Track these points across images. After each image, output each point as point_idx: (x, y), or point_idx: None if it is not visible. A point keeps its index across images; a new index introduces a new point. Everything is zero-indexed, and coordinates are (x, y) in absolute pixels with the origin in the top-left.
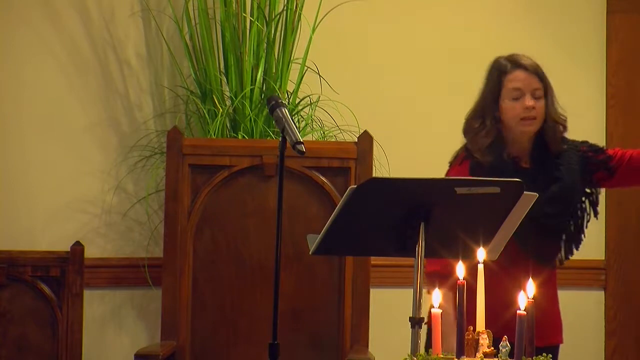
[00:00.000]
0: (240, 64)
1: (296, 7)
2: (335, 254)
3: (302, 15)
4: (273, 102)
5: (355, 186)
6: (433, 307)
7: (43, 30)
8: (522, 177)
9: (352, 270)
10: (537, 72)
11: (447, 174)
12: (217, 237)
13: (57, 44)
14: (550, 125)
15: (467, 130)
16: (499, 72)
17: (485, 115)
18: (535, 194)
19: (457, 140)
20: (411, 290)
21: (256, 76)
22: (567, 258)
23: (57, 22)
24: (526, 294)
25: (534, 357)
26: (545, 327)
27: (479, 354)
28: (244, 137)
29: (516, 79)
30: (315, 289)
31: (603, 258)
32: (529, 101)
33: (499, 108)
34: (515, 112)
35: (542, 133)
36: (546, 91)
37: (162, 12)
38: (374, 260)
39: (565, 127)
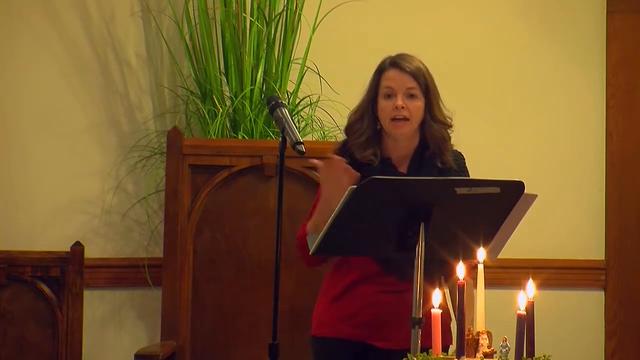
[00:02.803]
0: (240, 64)
1: (296, 7)
2: (335, 254)
3: (302, 15)
4: (273, 102)
5: (355, 186)
6: (433, 307)
7: (43, 30)
8: None
9: None
10: (414, 72)
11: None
12: (217, 237)
13: (57, 44)
14: (431, 125)
15: (346, 127)
16: (379, 70)
17: (365, 114)
18: (536, 194)
19: (457, 140)
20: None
21: (256, 76)
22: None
23: (57, 22)
24: (526, 295)
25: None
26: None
27: (479, 354)
28: (244, 137)
29: (389, 77)
30: (315, 289)
31: (603, 258)
32: (399, 100)
33: (377, 107)
34: (387, 111)
35: (422, 135)
36: (426, 92)
37: (162, 12)
38: None
39: (450, 128)
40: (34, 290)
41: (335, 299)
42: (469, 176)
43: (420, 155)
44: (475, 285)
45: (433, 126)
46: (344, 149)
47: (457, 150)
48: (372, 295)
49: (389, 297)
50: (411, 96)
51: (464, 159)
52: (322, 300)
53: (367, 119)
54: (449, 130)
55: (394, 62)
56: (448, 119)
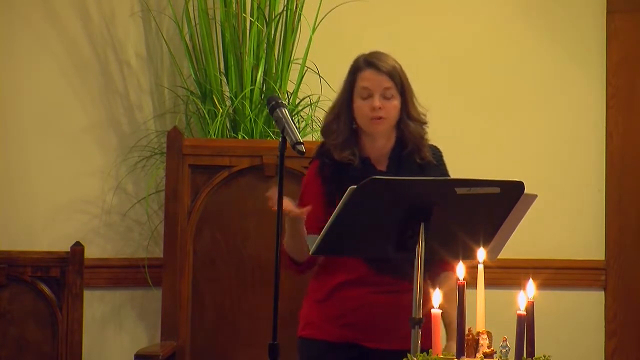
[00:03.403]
0: (240, 64)
1: (296, 8)
2: (335, 254)
3: (302, 16)
4: (273, 103)
5: (356, 186)
6: (433, 307)
7: (43, 30)
8: None
9: None
10: (390, 72)
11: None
12: (217, 237)
13: (57, 44)
14: (405, 122)
15: (323, 129)
16: (354, 70)
17: (341, 114)
18: (536, 194)
19: (457, 141)
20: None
21: (256, 76)
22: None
23: (57, 22)
24: (526, 295)
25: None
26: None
27: (479, 354)
28: (244, 137)
29: (366, 78)
30: None
31: (603, 258)
32: (376, 101)
33: (352, 107)
34: (364, 111)
35: (399, 133)
36: (402, 91)
37: (162, 12)
38: None
39: (426, 125)
40: (34, 290)
41: (323, 300)
42: (446, 170)
43: (398, 153)
44: (475, 286)
45: (409, 125)
46: (322, 151)
47: (434, 145)
48: (363, 296)
49: (381, 297)
50: (387, 96)
51: (442, 154)
52: (309, 302)
53: (343, 119)
54: (424, 127)
55: (370, 62)
56: (423, 116)
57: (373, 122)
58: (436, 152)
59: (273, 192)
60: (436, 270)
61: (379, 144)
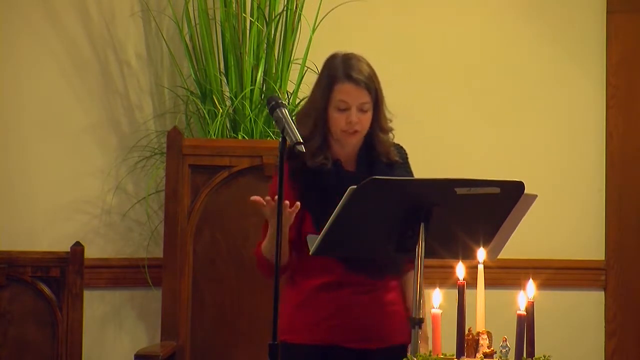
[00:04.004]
0: (240, 64)
1: (296, 8)
2: (335, 254)
3: (302, 16)
4: (273, 103)
5: (356, 186)
6: (433, 307)
7: (43, 30)
8: (347, 181)
9: None
10: (368, 85)
11: (272, 178)
12: (217, 237)
13: (57, 44)
14: (377, 135)
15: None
16: (330, 77)
17: (317, 118)
18: (536, 194)
19: (456, 140)
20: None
21: (256, 76)
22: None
23: (57, 22)
24: (526, 295)
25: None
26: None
27: (479, 354)
28: (244, 137)
29: (344, 91)
30: None
31: (603, 258)
32: (353, 116)
33: (327, 114)
34: (339, 123)
35: (368, 139)
36: (376, 103)
37: (162, 12)
38: None
39: (392, 134)
40: (34, 290)
41: (302, 304)
42: (411, 168)
43: (366, 154)
44: (475, 286)
45: (380, 136)
46: (292, 155)
47: (399, 144)
48: (342, 298)
49: (359, 297)
50: (364, 109)
51: (406, 153)
52: (287, 308)
53: (319, 128)
54: (391, 133)
55: (349, 75)
56: (390, 123)
57: (348, 134)
58: (401, 151)
59: (256, 197)
60: (404, 268)
61: (349, 147)
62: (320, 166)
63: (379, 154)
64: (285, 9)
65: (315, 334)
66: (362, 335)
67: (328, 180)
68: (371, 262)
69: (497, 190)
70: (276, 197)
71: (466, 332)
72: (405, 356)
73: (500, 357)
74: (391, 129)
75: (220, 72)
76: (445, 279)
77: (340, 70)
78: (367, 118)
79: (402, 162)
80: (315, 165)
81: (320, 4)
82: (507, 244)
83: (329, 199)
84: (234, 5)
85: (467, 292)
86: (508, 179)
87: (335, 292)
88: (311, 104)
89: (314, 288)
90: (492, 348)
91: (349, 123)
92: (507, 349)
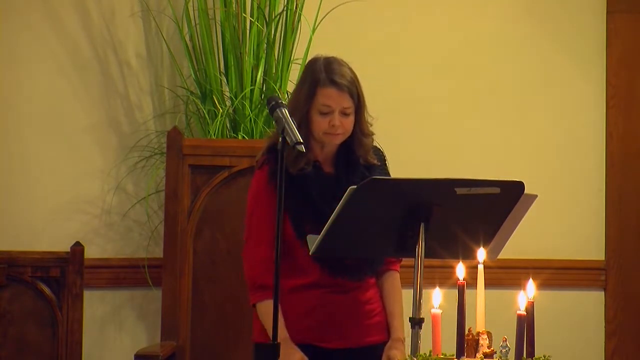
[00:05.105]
0: (240, 64)
1: (296, 8)
2: (335, 254)
3: (302, 16)
4: (273, 103)
5: (356, 186)
6: (433, 307)
7: (43, 30)
8: (326, 182)
9: None
10: (350, 90)
11: (252, 180)
12: (217, 237)
13: (58, 45)
14: (358, 138)
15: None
16: (313, 81)
17: (300, 121)
18: (536, 194)
19: (456, 140)
20: (411, 291)
21: (256, 76)
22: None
23: (58, 22)
24: (526, 295)
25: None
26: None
27: (479, 354)
28: (244, 137)
29: (327, 95)
30: None
31: (603, 258)
32: (336, 120)
33: (310, 117)
34: (321, 126)
35: (348, 141)
36: (357, 107)
37: (162, 12)
38: None
39: (373, 138)
40: (34, 290)
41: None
42: (388, 170)
43: (344, 155)
44: (475, 286)
45: (361, 139)
46: (270, 157)
47: (377, 147)
48: (317, 297)
49: (335, 297)
50: (346, 113)
51: (384, 155)
52: None
53: (302, 130)
54: (372, 137)
55: (332, 80)
56: (370, 126)
57: (330, 136)
58: (379, 153)
59: None
60: (381, 268)
61: (328, 148)
62: (302, 169)
63: (357, 157)
64: (285, 9)
65: (291, 333)
66: (338, 334)
67: (307, 182)
68: (350, 264)
69: (497, 190)
70: None
71: (466, 332)
72: (381, 355)
73: (500, 357)
74: (372, 133)
75: (220, 72)
76: (445, 279)
77: (323, 74)
78: (349, 121)
79: (379, 164)
80: (296, 171)
81: (320, 4)
82: (507, 244)
83: (309, 200)
84: (234, 5)
85: (467, 292)
86: (508, 179)
87: (311, 291)
88: (293, 107)
89: (289, 289)
90: (492, 348)
91: (332, 127)
92: (507, 349)
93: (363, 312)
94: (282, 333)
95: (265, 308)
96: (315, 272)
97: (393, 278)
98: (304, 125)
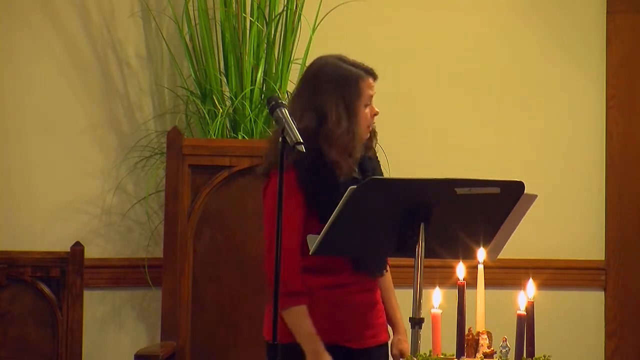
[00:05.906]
0: (240, 64)
1: (296, 8)
2: (335, 254)
3: (302, 16)
4: (273, 103)
5: (355, 186)
6: (433, 307)
7: (43, 30)
8: (354, 178)
9: None
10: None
11: (268, 183)
12: (217, 237)
13: (57, 45)
14: (373, 130)
15: (327, 136)
16: (355, 78)
17: (350, 120)
18: (536, 194)
19: (457, 140)
20: (411, 291)
21: (256, 76)
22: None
23: (57, 22)
24: (526, 295)
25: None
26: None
27: (479, 354)
28: (244, 137)
29: (370, 85)
30: None
31: (603, 258)
32: (375, 108)
33: (358, 113)
34: (368, 120)
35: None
36: None
37: (162, 12)
38: None
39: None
40: (34, 290)
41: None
42: (378, 162)
43: (362, 159)
44: (475, 286)
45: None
46: (301, 160)
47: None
48: (346, 296)
49: (362, 295)
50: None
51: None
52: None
53: (353, 130)
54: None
55: (367, 70)
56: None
57: (370, 129)
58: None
59: None
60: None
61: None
62: (331, 169)
63: (367, 148)
64: (285, 9)
65: (319, 333)
66: (360, 334)
67: (337, 180)
68: (373, 261)
69: (497, 190)
70: None
71: (466, 332)
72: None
73: (500, 357)
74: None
75: (220, 72)
76: (445, 279)
77: (354, 68)
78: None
79: (375, 156)
80: (346, 178)
81: (320, 4)
82: (507, 244)
83: (340, 196)
84: (234, 5)
85: (467, 292)
86: (508, 179)
87: (336, 290)
88: (339, 110)
89: (317, 287)
90: (492, 348)
91: (374, 115)
92: (507, 349)
93: (376, 312)
94: (312, 332)
95: (295, 313)
96: (345, 271)
97: (388, 274)
98: (352, 125)
